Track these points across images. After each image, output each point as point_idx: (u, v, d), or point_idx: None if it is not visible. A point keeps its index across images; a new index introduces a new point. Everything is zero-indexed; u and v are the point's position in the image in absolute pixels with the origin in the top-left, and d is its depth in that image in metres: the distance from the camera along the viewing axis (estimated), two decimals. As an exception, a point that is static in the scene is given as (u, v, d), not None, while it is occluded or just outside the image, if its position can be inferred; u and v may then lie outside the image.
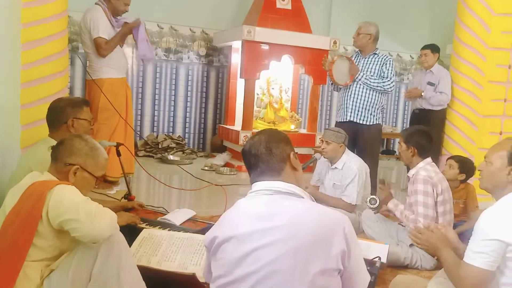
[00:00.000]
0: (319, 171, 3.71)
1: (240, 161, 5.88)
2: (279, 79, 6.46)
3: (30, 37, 3.28)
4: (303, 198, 1.49)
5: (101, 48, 4.20)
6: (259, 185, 1.50)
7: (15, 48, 3.23)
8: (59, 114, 2.35)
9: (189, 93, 6.97)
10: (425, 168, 2.90)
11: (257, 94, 6.28)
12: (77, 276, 1.60)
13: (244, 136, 5.76)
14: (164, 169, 5.70)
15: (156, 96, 6.81)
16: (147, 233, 2.17)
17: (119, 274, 1.60)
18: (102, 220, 1.57)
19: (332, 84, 4.16)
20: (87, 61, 4.48)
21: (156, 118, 6.83)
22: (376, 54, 4.06)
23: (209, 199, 4.42)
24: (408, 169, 3.08)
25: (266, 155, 1.50)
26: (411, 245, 2.87)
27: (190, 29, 6.86)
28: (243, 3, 6.81)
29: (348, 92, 4.01)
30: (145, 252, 2.02)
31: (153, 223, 2.47)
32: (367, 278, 1.49)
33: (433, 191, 2.82)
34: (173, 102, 6.90)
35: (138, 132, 6.71)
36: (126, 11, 4.45)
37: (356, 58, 4.13)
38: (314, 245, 1.36)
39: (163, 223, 2.50)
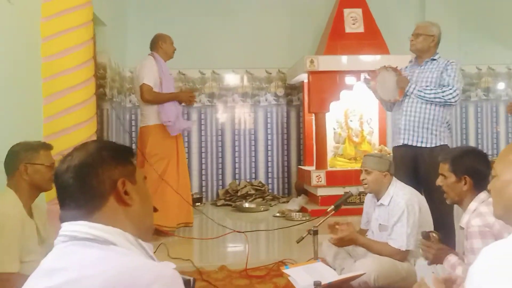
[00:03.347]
0: (367, 210, 3.01)
1: (316, 205, 5.28)
2: (360, 109, 5.80)
3: (51, 90, 3.32)
4: (114, 245, 1.00)
5: (145, 93, 4.22)
6: (63, 227, 1.05)
7: (37, 101, 3.29)
8: (12, 160, 2.19)
9: (269, 136, 6.67)
10: (479, 212, 2.03)
11: (334, 129, 5.70)
12: None
13: (317, 176, 5.18)
14: (234, 217, 5.37)
15: (236, 143, 6.63)
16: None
17: None
18: None
19: (383, 103, 3.45)
20: (140, 110, 4.55)
21: (237, 165, 6.62)
22: (435, 60, 3.27)
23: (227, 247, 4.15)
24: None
25: (74, 189, 1.04)
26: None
27: (265, 70, 6.65)
28: (318, 37, 6.39)
29: (400, 109, 3.26)
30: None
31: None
32: None
33: None
34: (253, 147, 6.65)
35: (220, 181, 6.57)
36: (175, 50, 4.51)
37: (410, 68, 3.39)
38: None
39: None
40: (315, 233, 2.73)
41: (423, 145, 3.16)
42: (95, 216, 1.03)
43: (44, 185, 2.23)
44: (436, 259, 2.18)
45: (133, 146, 5.19)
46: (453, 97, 3.11)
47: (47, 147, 2.29)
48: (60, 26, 3.35)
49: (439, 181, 2.22)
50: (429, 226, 2.76)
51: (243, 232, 4.23)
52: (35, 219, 2.23)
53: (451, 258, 2.12)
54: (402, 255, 2.63)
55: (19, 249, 2.05)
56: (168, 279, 0.94)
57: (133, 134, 6.07)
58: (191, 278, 2.14)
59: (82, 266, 0.95)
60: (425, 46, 3.29)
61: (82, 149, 1.09)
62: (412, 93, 3.18)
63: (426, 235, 2.26)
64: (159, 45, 4.43)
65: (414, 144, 3.18)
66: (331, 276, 2.48)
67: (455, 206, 2.87)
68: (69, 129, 3.38)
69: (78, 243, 1.00)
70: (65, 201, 1.05)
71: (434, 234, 2.29)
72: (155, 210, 1.15)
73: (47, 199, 3.16)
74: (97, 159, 1.07)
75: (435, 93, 3.13)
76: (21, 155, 2.19)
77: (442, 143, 3.16)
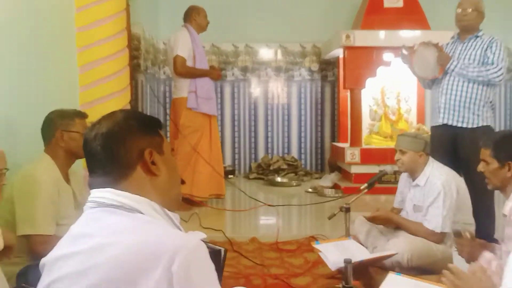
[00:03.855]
0: (401, 190, 2.93)
1: (349, 182, 5.20)
2: (397, 86, 5.62)
3: (86, 60, 3.34)
4: (141, 213, 0.99)
5: (178, 66, 4.22)
6: (91, 194, 1.05)
7: (73, 71, 3.33)
8: (49, 127, 2.22)
9: (302, 111, 6.58)
10: None
11: (370, 106, 5.57)
12: None
13: (351, 154, 5.09)
14: (266, 191, 5.37)
15: (269, 117, 6.59)
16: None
17: None
18: None
19: (421, 81, 3.30)
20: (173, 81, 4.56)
21: (269, 139, 6.59)
22: (478, 36, 3.09)
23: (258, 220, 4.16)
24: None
25: (102, 157, 1.03)
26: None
27: (300, 45, 6.52)
28: (354, 12, 6.18)
29: (439, 87, 3.11)
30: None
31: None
32: None
33: None
34: (286, 122, 6.59)
35: (253, 154, 6.57)
36: (208, 23, 4.49)
37: (451, 45, 3.22)
38: (115, 283, 0.88)
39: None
40: (347, 210, 2.67)
41: (464, 125, 3.01)
42: (122, 184, 1.02)
43: (79, 152, 2.25)
44: (471, 257, 2.10)
45: (167, 118, 5.24)
46: (498, 76, 2.93)
47: (82, 115, 2.31)
48: (93, -3, 3.37)
49: (481, 167, 2.11)
50: (468, 209, 2.67)
51: (274, 206, 4.23)
52: (71, 185, 2.27)
53: (487, 255, 2.04)
54: (438, 237, 2.56)
55: (56, 213, 2.09)
56: (192, 249, 0.92)
57: (167, 106, 6.11)
58: (222, 249, 2.14)
59: (107, 233, 0.95)
60: (476, 23, 3.11)
61: (110, 117, 1.08)
62: (453, 70, 3.02)
63: (458, 233, 2.19)
64: (193, 17, 4.39)
65: (454, 124, 3.03)
66: (362, 254, 2.44)
67: (496, 191, 2.77)
68: (103, 98, 3.40)
69: (105, 209, 1.00)
70: (93, 168, 1.05)
71: (467, 233, 2.20)
72: (183, 182, 1.14)
73: (85, 165, 3.23)
74: (124, 128, 1.05)
75: (478, 71, 2.97)
76: (57, 122, 2.21)
77: (484, 124, 3.00)
